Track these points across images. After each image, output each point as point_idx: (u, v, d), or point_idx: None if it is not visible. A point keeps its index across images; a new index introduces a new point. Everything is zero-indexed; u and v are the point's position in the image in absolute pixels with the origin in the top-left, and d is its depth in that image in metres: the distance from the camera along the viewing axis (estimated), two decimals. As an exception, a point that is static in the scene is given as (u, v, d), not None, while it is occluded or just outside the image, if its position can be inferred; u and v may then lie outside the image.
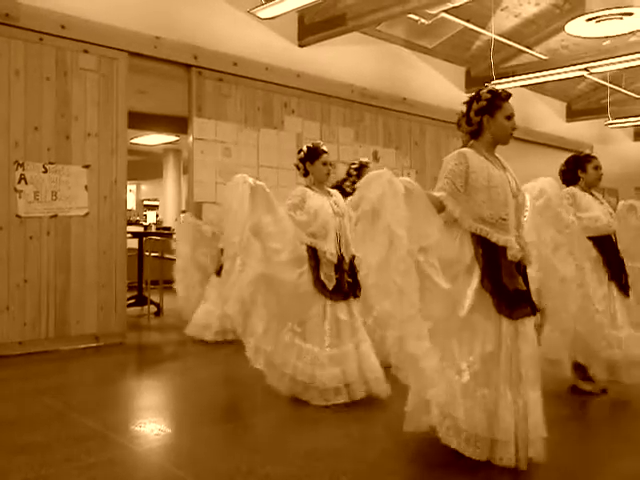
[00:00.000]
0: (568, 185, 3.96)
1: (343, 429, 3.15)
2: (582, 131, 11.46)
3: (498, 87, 2.82)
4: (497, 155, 2.79)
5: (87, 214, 5.37)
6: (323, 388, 3.45)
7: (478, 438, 2.46)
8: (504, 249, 2.59)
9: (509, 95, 2.75)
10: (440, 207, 2.59)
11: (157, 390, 4.21)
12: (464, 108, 2.77)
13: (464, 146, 2.75)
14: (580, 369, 3.76)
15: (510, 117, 2.70)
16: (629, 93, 10.36)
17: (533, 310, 2.66)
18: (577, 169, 3.94)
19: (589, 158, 3.97)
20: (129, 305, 6.41)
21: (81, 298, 5.31)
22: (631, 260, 3.97)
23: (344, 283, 3.61)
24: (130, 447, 2.84)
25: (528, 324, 2.62)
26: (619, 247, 3.87)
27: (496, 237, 2.57)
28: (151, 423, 3.27)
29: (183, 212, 5.99)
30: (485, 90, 2.73)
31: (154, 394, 4.12)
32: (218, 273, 5.17)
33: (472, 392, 2.48)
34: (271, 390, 3.57)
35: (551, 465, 2.53)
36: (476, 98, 2.73)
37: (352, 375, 3.49)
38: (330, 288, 3.57)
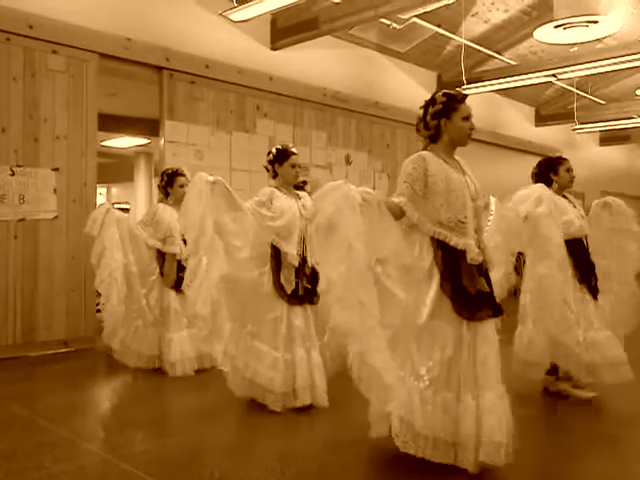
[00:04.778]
0: None
1: (314, 433, 3.15)
2: (550, 136, 11.69)
3: (467, 92, 2.86)
4: (457, 158, 2.78)
5: (56, 217, 5.29)
6: (279, 392, 3.41)
7: (439, 441, 2.46)
8: (463, 252, 2.59)
9: (465, 96, 2.75)
10: (400, 213, 2.58)
11: (127, 396, 4.15)
12: (421, 112, 2.76)
13: (424, 149, 2.74)
14: (555, 371, 3.80)
15: (467, 118, 2.69)
16: (595, 99, 10.61)
17: (496, 312, 2.65)
18: (549, 172, 3.94)
19: (561, 160, 3.97)
20: (99, 310, 6.30)
21: (49, 303, 5.22)
22: (601, 258, 3.96)
23: (301, 288, 3.56)
24: (100, 454, 2.80)
25: (488, 326, 2.62)
26: (590, 247, 3.88)
27: (455, 241, 2.58)
28: (121, 430, 3.22)
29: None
30: (440, 93, 2.73)
31: (124, 400, 4.06)
32: (176, 287, 4.44)
33: (432, 397, 2.48)
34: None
35: (517, 465, 2.54)
36: (431, 102, 2.72)
37: (302, 380, 3.44)
38: (289, 292, 3.53)
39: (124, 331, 4.42)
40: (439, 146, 2.72)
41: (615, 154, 13.96)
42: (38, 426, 3.22)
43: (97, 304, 5.82)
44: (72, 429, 3.14)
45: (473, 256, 2.59)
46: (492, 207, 3.08)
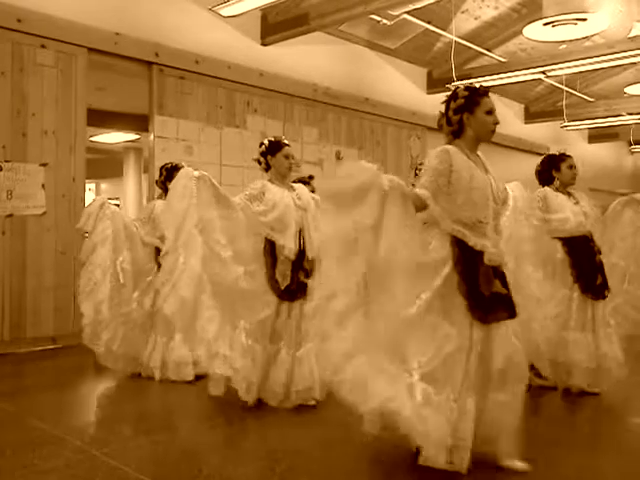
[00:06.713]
0: (544, 185, 3.93)
1: (305, 431, 3.15)
2: (539, 133, 11.72)
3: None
4: (480, 155, 2.71)
5: (44, 213, 5.25)
6: (280, 392, 3.38)
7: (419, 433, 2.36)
8: (481, 253, 2.53)
9: (487, 90, 2.68)
10: (421, 206, 2.50)
11: (116, 393, 4.14)
12: (443, 108, 2.68)
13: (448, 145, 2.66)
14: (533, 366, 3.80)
15: (490, 112, 2.61)
16: (583, 96, 10.66)
17: (511, 313, 2.58)
18: (551, 169, 3.93)
19: (563, 157, 3.96)
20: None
21: (37, 299, 5.19)
22: (620, 258, 3.94)
23: (296, 283, 3.44)
24: (88, 451, 2.79)
25: (504, 327, 2.56)
26: (605, 246, 3.80)
27: (474, 241, 2.52)
28: (110, 427, 3.21)
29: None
30: (462, 87, 2.67)
31: (113, 398, 4.05)
32: None
33: (423, 394, 2.40)
34: (232, 394, 3.51)
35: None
36: (453, 97, 2.65)
37: (288, 378, 3.38)
38: (283, 287, 3.42)
39: (109, 334, 4.12)
40: (462, 142, 2.64)
41: (604, 152, 14.04)
42: (26, 423, 3.21)
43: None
44: (60, 426, 3.13)
45: (490, 257, 2.54)
46: (510, 202, 3.00)
